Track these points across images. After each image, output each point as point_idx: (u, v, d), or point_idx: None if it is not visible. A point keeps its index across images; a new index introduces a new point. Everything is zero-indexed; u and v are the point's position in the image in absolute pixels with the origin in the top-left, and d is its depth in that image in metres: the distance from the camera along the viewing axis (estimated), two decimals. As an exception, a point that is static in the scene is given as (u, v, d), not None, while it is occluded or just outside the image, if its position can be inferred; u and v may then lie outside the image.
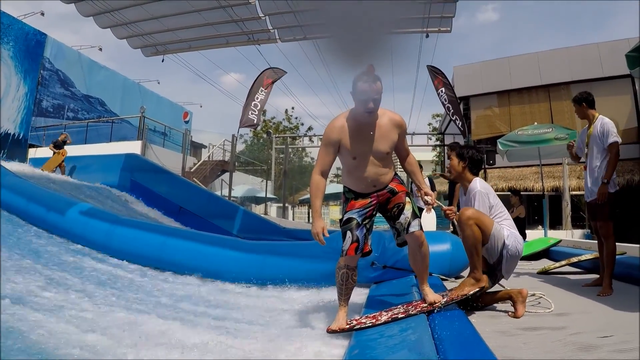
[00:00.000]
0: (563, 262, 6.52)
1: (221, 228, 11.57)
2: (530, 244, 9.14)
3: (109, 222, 7.31)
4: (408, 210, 3.59)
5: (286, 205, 24.84)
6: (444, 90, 18.91)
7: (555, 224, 18.57)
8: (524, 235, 10.68)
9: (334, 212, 35.83)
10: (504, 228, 3.79)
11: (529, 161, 15.49)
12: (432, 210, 4.19)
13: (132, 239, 6.90)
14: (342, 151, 3.56)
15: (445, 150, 27.62)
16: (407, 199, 3.63)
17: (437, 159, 38.87)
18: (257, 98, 20.02)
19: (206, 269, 6.21)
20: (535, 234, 12.49)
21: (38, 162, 17.17)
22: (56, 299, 3.95)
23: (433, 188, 11.30)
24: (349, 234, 3.54)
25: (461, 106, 20.56)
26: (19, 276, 4.38)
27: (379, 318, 3.41)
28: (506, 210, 3.92)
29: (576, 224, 18.80)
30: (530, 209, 20.26)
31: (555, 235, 11.91)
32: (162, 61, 17.59)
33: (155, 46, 17.29)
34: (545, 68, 21.05)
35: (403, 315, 3.34)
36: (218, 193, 20.66)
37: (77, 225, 7.38)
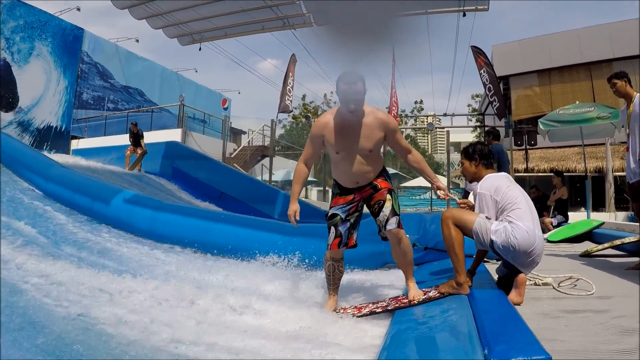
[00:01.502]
0: (606, 245, 6.40)
1: (262, 212, 11.68)
2: (573, 226, 9.00)
3: (153, 209, 7.50)
4: (387, 208, 3.70)
5: (326, 188, 24.92)
6: (485, 70, 18.75)
7: (598, 205, 18.16)
8: (566, 217, 10.51)
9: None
10: (494, 223, 3.56)
11: (571, 141, 15.20)
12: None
13: (176, 224, 7.07)
14: (327, 146, 3.78)
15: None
16: (389, 196, 3.76)
17: (478, 141, 38.28)
18: (289, 84, 20.30)
19: (250, 252, 6.34)
20: (577, 216, 12.25)
21: (80, 153, 17.60)
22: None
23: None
24: (332, 229, 3.82)
25: (501, 86, 20.27)
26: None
27: (362, 310, 3.65)
28: (520, 201, 3.58)
29: (620, 206, 18.32)
30: (573, 191, 19.86)
31: (598, 217, 11.68)
32: (199, 49, 17.76)
33: (191, 35, 17.49)
34: (586, 45, 20.47)
35: (381, 310, 3.56)
36: (259, 178, 20.87)
37: (122, 212, 7.58)
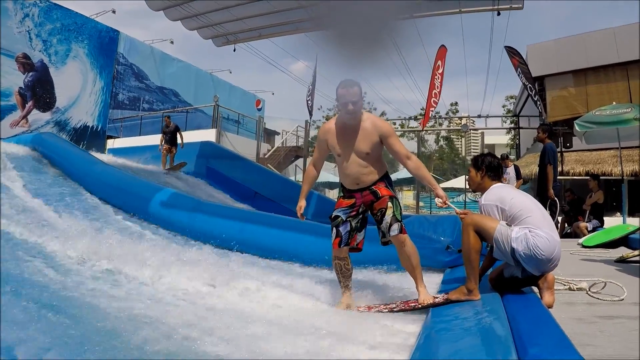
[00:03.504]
0: (643, 250, 6.30)
1: (295, 212, 11.73)
2: (609, 231, 8.85)
3: (191, 207, 7.77)
4: (389, 215, 3.97)
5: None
6: (521, 70, 18.71)
7: (635, 210, 17.69)
8: (601, 222, 10.34)
9: (408, 197, 35.65)
10: (514, 229, 3.46)
11: (607, 144, 14.90)
12: None
13: (213, 223, 7.28)
14: (330, 149, 4.20)
15: (521, 133, 26.93)
16: (390, 203, 4.00)
17: (512, 142, 37.80)
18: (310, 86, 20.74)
19: (286, 252, 6.51)
20: (613, 221, 12.01)
21: (116, 152, 17.94)
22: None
23: (519, 176, 11.06)
24: (334, 230, 4.15)
25: (536, 86, 20.07)
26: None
27: (371, 310, 3.94)
28: (531, 208, 3.55)
29: (657, 211, 17.87)
30: (608, 195, 19.47)
31: (634, 222, 11.44)
32: (234, 50, 17.89)
33: (225, 36, 17.61)
34: (623, 44, 19.93)
35: (386, 310, 3.84)
36: (292, 178, 20.99)
37: (162, 210, 7.82)
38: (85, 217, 7.42)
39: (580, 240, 8.23)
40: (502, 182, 3.93)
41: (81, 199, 8.42)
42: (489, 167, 3.90)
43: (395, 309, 3.86)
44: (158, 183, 10.42)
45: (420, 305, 3.77)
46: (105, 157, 14.95)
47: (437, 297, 3.82)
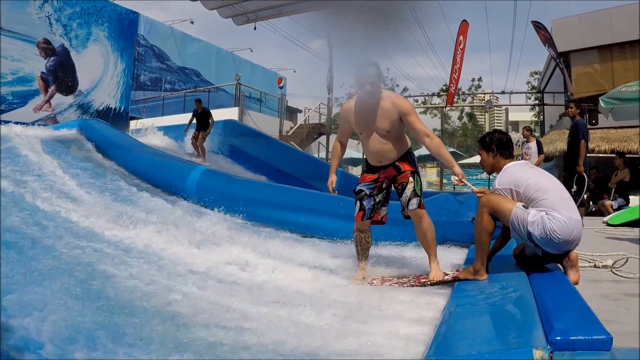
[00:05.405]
0: (669, 229, 6.24)
1: (319, 189, 11.76)
2: (634, 209, 8.75)
3: (224, 182, 8.15)
4: (409, 190, 4.10)
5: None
6: (549, 45, 18.55)
7: (661, 189, 17.41)
8: (627, 200, 10.22)
9: (431, 173, 35.50)
10: (531, 213, 3.31)
11: (634, 121, 14.66)
12: None
13: (245, 197, 7.58)
14: (353, 127, 4.34)
15: (545, 110, 26.57)
16: (411, 178, 4.15)
17: (536, 119, 37.22)
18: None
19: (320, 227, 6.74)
20: (638, 200, 11.87)
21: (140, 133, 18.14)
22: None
23: (540, 151, 10.94)
24: (357, 203, 4.32)
25: (561, 61, 19.78)
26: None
27: (384, 283, 4.09)
28: (547, 188, 3.37)
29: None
30: (634, 174, 19.13)
31: (661, 200, 11.27)
32: (254, 29, 17.81)
33: (245, 14, 17.53)
34: (650, 19, 19.43)
35: (397, 285, 3.98)
36: (315, 156, 20.99)
37: (198, 185, 8.27)
38: (121, 195, 7.72)
39: (605, 219, 8.16)
40: (517, 159, 3.86)
41: (123, 179, 8.78)
42: (499, 144, 3.71)
43: (406, 284, 3.99)
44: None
45: (429, 282, 3.91)
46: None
47: (447, 275, 3.93)
